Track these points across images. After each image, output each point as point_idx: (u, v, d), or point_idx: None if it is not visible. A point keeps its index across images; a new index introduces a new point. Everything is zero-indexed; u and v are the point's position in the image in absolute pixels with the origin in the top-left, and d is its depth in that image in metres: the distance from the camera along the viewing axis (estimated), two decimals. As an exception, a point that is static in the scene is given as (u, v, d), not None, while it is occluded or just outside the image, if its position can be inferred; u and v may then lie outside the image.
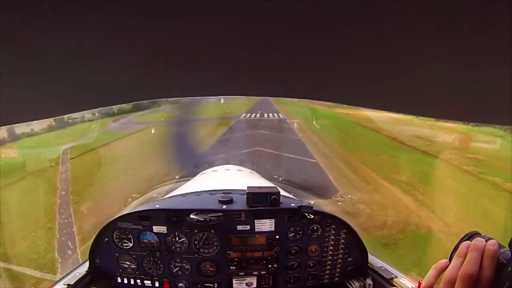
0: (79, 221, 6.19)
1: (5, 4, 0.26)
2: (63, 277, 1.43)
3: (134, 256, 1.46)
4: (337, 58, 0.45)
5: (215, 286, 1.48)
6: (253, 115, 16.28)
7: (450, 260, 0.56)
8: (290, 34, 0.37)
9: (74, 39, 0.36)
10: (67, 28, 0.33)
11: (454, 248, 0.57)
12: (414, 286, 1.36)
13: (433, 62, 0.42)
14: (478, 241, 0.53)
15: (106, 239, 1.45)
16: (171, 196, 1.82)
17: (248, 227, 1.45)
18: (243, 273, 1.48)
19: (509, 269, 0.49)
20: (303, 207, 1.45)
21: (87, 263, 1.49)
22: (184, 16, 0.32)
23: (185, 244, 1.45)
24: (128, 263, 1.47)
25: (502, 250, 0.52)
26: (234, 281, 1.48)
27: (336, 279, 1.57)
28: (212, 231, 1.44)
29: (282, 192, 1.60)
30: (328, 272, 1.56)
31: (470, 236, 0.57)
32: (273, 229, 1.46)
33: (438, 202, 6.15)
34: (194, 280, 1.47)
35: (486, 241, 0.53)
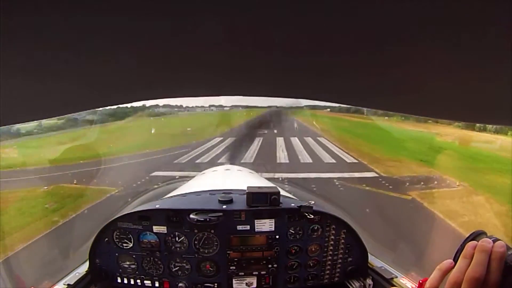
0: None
1: (5, 4, 0.26)
2: (63, 277, 1.43)
3: (134, 256, 1.46)
4: (338, 58, 0.45)
5: (215, 286, 1.48)
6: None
7: (454, 260, 0.54)
8: (290, 34, 0.37)
9: (74, 39, 0.36)
10: (67, 28, 0.33)
11: (459, 248, 0.54)
12: (414, 286, 1.36)
13: (433, 63, 0.42)
14: (485, 242, 0.51)
15: (106, 239, 1.45)
16: (171, 196, 1.82)
17: (248, 227, 1.44)
18: (243, 273, 1.48)
19: None
20: (303, 207, 1.45)
21: (87, 263, 1.49)
22: (184, 16, 0.32)
23: (185, 244, 1.45)
24: (128, 263, 1.47)
25: (509, 252, 0.50)
26: (234, 281, 1.48)
27: (336, 279, 1.57)
28: (212, 231, 1.44)
29: (282, 192, 1.60)
30: (328, 272, 1.56)
31: (476, 236, 0.54)
32: (273, 229, 1.46)
33: None
34: (194, 280, 1.47)
35: (493, 242, 0.51)
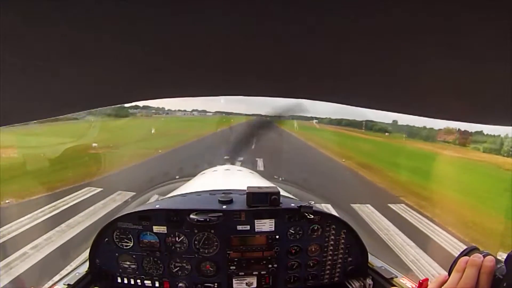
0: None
1: (5, 4, 0.26)
2: (63, 277, 1.43)
3: (134, 256, 1.46)
4: (337, 58, 0.45)
5: (215, 286, 1.48)
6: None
7: (449, 274, 0.58)
8: (290, 34, 0.37)
9: (73, 39, 0.36)
10: (66, 28, 0.33)
11: (453, 262, 0.58)
12: (414, 286, 1.36)
13: (433, 63, 0.42)
14: (476, 257, 0.55)
15: (106, 239, 1.45)
16: (171, 196, 1.82)
17: (248, 227, 1.44)
18: (243, 273, 1.48)
19: (505, 284, 0.51)
20: (303, 207, 1.45)
21: (87, 263, 1.49)
22: (184, 16, 0.32)
23: (185, 244, 1.45)
24: (128, 263, 1.47)
25: (498, 266, 0.53)
26: (234, 281, 1.48)
27: (336, 279, 1.57)
28: (212, 231, 1.44)
29: (282, 192, 1.60)
30: (328, 272, 1.56)
31: (469, 251, 0.59)
32: (273, 229, 1.46)
33: None
34: (194, 280, 1.47)
35: (484, 256, 0.55)
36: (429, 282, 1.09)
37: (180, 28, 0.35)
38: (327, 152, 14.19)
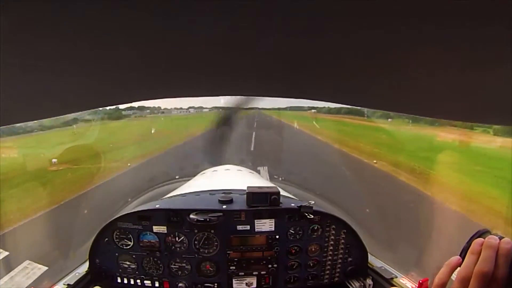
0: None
1: (5, 4, 0.26)
2: (63, 277, 1.43)
3: (134, 256, 1.46)
4: (337, 58, 0.45)
5: (215, 286, 1.48)
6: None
7: (461, 257, 0.56)
8: (290, 34, 0.37)
9: (73, 39, 0.36)
10: (66, 28, 0.33)
11: (466, 245, 0.56)
12: (414, 286, 1.36)
13: (433, 62, 0.42)
14: (492, 239, 0.52)
15: (106, 239, 1.45)
16: (171, 196, 1.82)
17: (248, 227, 1.44)
18: (243, 273, 1.48)
19: None
20: (303, 207, 1.45)
21: (87, 263, 1.49)
22: (183, 16, 0.32)
23: (185, 244, 1.45)
24: (128, 263, 1.47)
25: None
26: (234, 281, 1.48)
27: (336, 279, 1.57)
28: (212, 231, 1.44)
29: (282, 192, 1.60)
30: (328, 272, 1.56)
31: (481, 234, 0.56)
32: (273, 229, 1.46)
33: None
34: (194, 280, 1.47)
35: (499, 239, 0.53)
36: (429, 280, 1.09)
37: (180, 28, 0.35)
38: (347, 150, 10.57)
